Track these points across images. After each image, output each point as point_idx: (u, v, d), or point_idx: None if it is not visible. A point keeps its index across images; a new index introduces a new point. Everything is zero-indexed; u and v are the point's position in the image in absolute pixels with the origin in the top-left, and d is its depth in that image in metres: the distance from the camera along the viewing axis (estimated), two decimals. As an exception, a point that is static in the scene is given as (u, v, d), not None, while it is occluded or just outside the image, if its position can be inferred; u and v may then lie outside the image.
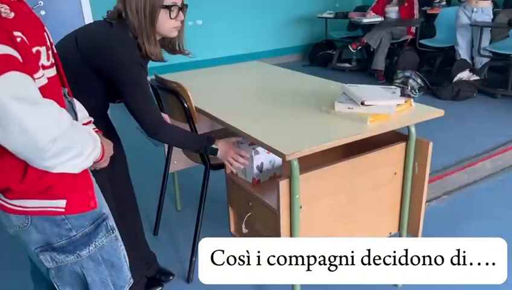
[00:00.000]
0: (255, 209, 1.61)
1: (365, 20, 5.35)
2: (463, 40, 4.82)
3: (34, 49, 0.93)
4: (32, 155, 0.91)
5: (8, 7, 0.89)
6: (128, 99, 1.50)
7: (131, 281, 1.23)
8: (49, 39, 1.03)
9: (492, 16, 4.73)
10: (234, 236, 1.83)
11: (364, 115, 1.52)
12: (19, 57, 0.87)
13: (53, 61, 1.03)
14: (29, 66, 0.90)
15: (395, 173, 1.71)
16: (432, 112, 1.62)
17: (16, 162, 0.94)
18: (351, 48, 5.39)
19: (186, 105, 1.80)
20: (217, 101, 1.89)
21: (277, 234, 1.50)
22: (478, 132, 3.62)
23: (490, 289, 1.38)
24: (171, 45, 1.67)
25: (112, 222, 1.16)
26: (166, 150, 2.35)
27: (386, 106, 1.54)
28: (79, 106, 1.21)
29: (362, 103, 1.52)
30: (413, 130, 1.64)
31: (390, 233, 1.81)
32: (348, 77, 5.57)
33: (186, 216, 2.55)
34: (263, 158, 1.69)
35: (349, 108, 1.57)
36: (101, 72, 1.48)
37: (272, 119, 1.67)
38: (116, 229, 1.18)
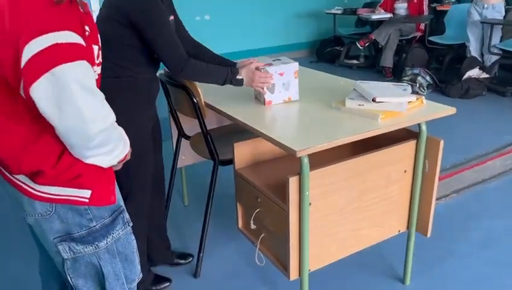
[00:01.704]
0: (263, 206, 1.61)
1: (374, 17, 5.31)
2: (473, 37, 4.74)
3: (93, 46, 1.00)
4: (78, 141, 0.95)
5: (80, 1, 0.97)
6: (155, 41, 1.53)
7: (141, 275, 1.24)
8: (99, 40, 1.09)
9: (503, 13, 4.63)
10: (242, 232, 1.83)
11: (376, 112, 1.51)
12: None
13: (101, 61, 1.09)
14: (91, 60, 0.97)
15: (405, 171, 1.70)
16: (444, 110, 1.61)
17: (54, 146, 0.98)
18: (358, 45, 5.36)
19: (195, 100, 1.80)
20: (226, 97, 1.88)
21: (286, 231, 1.49)
22: (487, 131, 3.59)
23: None
24: None
25: (127, 215, 1.17)
26: (174, 145, 2.35)
27: (397, 103, 1.52)
28: None
29: (373, 100, 1.51)
30: (424, 127, 1.62)
31: (399, 231, 1.80)
32: (355, 73, 5.53)
33: (193, 211, 2.56)
34: (274, 79, 1.71)
35: (360, 105, 1.56)
36: (130, 22, 1.51)
37: (282, 115, 1.66)
38: (131, 222, 1.19)
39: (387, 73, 5.25)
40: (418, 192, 1.74)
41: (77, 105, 0.90)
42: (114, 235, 1.12)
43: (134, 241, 1.21)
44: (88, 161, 1.01)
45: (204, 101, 1.80)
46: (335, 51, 6.02)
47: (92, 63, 0.97)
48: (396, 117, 1.52)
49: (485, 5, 4.59)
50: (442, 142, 1.63)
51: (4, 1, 0.90)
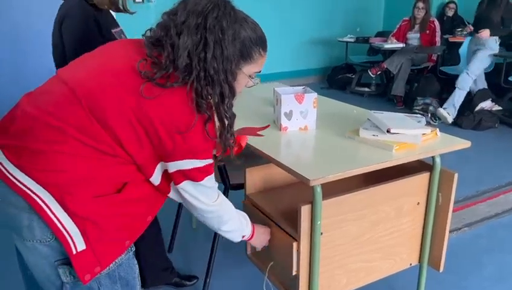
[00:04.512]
0: (273, 234, 1.59)
1: (387, 46, 5.36)
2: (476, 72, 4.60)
3: None
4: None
5: None
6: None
7: None
8: None
9: (496, 51, 4.52)
10: (250, 259, 1.80)
11: (390, 143, 1.51)
12: None
13: None
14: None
15: (418, 203, 1.68)
16: (458, 143, 1.60)
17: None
18: (370, 73, 5.39)
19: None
20: (239, 120, 1.89)
21: (296, 261, 1.47)
22: (499, 163, 3.55)
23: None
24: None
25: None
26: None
27: (412, 135, 1.52)
28: None
29: (388, 131, 1.51)
30: (438, 160, 1.61)
31: (411, 264, 1.77)
32: (367, 101, 5.55)
33: (201, 235, 2.54)
34: (292, 106, 1.70)
35: (374, 135, 1.56)
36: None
37: (296, 142, 1.66)
38: (134, 247, 1.17)
39: (398, 102, 5.26)
40: (430, 225, 1.71)
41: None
42: (117, 260, 1.11)
43: (137, 265, 1.19)
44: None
45: (218, 126, 1.81)
46: (346, 78, 6.06)
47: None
48: (411, 149, 1.52)
49: (479, 41, 4.56)
50: (456, 176, 1.62)
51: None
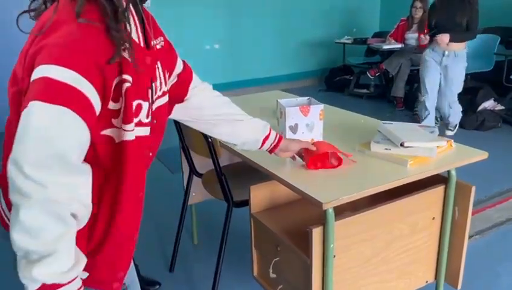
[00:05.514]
0: (283, 255, 1.50)
1: (385, 47, 5.28)
2: (432, 87, 3.89)
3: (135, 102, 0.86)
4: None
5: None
6: None
7: None
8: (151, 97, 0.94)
9: (466, 64, 3.78)
10: (257, 281, 1.71)
11: (404, 157, 1.42)
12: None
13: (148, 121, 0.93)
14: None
15: (433, 218, 1.59)
16: (476, 155, 1.51)
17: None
18: (369, 75, 5.31)
19: (209, 139, 1.72)
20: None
21: (308, 285, 1.38)
22: (507, 165, 3.47)
23: None
24: None
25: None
26: (186, 181, 2.26)
27: (427, 149, 1.43)
28: None
29: (402, 144, 1.42)
30: (453, 172, 1.53)
31: (427, 282, 1.68)
32: (366, 103, 5.47)
33: (203, 251, 2.44)
34: (297, 119, 1.61)
35: (386, 149, 1.47)
36: None
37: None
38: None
39: (398, 103, 5.18)
40: (447, 240, 1.62)
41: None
42: None
43: None
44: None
45: (220, 141, 1.71)
46: (344, 80, 5.98)
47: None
48: (426, 163, 1.43)
49: (446, 52, 3.74)
50: (473, 189, 1.53)
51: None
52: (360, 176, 1.39)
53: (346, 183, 1.33)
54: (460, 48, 3.71)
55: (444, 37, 3.60)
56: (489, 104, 4.35)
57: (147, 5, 0.98)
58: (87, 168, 0.82)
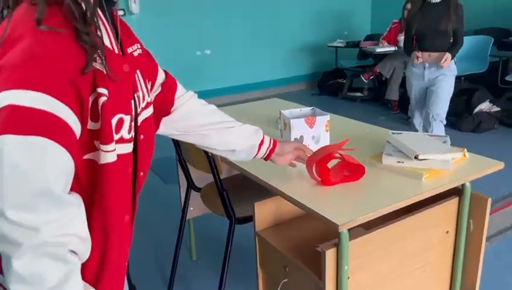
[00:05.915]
0: (292, 277, 1.41)
1: (378, 50, 5.24)
2: (418, 106, 3.38)
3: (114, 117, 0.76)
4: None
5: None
6: None
7: None
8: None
9: (456, 73, 3.22)
10: (264, 302, 1.62)
11: (419, 170, 1.34)
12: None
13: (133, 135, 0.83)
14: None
15: (447, 232, 1.52)
16: (492, 165, 1.45)
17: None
18: (363, 78, 5.28)
19: (210, 153, 1.63)
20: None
21: (321, 309, 1.29)
22: (506, 168, 3.42)
23: None
24: None
25: None
26: (183, 197, 2.17)
27: (442, 161, 1.36)
28: None
29: (416, 157, 1.34)
30: (468, 184, 1.46)
31: (441, 298, 1.61)
32: (360, 106, 5.42)
33: (202, 267, 2.34)
34: (303, 131, 1.54)
35: (399, 162, 1.39)
36: None
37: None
38: None
39: (393, 106, 5.14)
40: (461, 255, 1.55)
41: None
42: None
43: None
44: None
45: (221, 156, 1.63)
46: (337, 84, 5.93)
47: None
48: (441, 176, 1.36)
49: (427, 64, 3.18)
50: (489, 201, 1.46)
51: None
52: (374, 192, 1.31)
53: (360, 202, 1.25)
54: (452, 62, 3.17)
55: (448, 59, 3.05)
56: (485, 106, 4.33)
57: (120, 12, 0.88)
58: (77, 197, 0.73)
